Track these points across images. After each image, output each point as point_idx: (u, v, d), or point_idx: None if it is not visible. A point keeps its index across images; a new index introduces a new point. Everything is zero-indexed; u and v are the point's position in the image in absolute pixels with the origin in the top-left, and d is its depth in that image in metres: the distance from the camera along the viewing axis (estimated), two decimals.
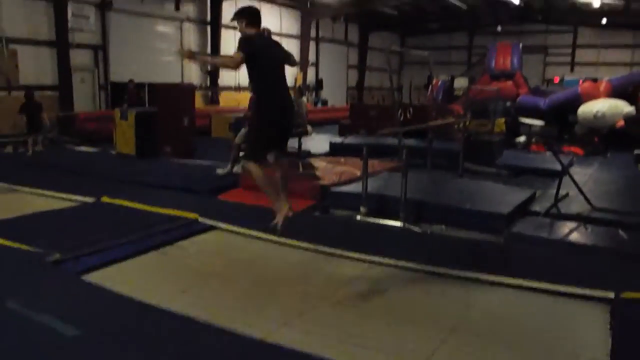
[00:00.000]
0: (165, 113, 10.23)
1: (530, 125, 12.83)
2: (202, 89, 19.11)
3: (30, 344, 2.91)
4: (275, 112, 3.86)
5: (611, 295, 3.72)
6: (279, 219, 4.01)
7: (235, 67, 3.77)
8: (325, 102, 24.58)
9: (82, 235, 4.93)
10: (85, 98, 15.25)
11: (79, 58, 14.91)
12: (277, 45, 4.11)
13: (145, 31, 16.80)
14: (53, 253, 4.30)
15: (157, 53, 17.35)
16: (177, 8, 18.01)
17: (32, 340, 2.95)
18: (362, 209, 6.09)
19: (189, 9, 18.46)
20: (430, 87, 16.68)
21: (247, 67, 3.80)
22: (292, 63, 4.14)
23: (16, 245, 4.52)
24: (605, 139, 12.51)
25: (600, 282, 3.91)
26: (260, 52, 3.77)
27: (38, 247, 4.43)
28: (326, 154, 10.36)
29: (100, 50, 15.56)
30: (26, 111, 10.39)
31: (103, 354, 2.85)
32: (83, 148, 11.76)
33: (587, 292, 3.82)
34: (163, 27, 17.57)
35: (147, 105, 15.30)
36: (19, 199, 6.90)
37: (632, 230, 5.31)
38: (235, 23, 3.92)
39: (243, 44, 3.72)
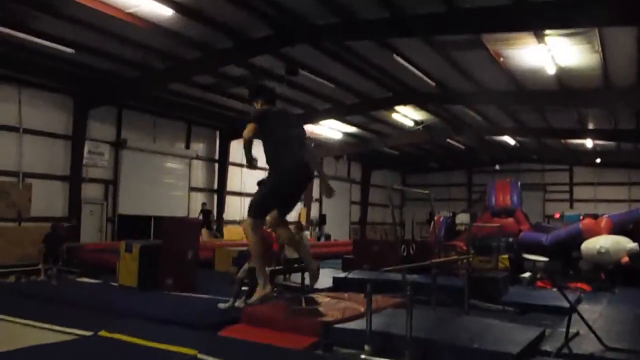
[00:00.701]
0: (170, 246, 10.32)
1: (534, 262, 12.81)
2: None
3: None
4: (289, 176, 3.83)
5: None
6: (256, 298, 3.91)
7: (249, 134, 3.81)
8: (328, 237, 24.81)
9: None
10: (92, 229, 15.51)
11: (90, 191, 15.44)
12: (296, 119, 4.17)
13: (155, 167, 17.57)
14: None
15: (166, 187, 17.99)
16: (187, 147, 18.98)
17: None
18: (366, 348, 5.90)
19: (198, 147, 19.45)
20: (432, 223, 16.94)
21: (262, 136, 3.85)
22: (309, 151, 4.13)
23: None
24: (611, 275, 12.41)
25: None
26: (274, 118, 3.86)
27: None
28: (329, 289, 10.24)
29: (111, 185, 16.15)
30: (49, 241, 11.06)
31: None
32: (85, 280, 11.68)
33: None
34: (173, 164, 18.39)
35: (152, 237, 15.52)
36: (15, 331, 6.75)
37: None
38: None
39: (256, 114, 3.82)
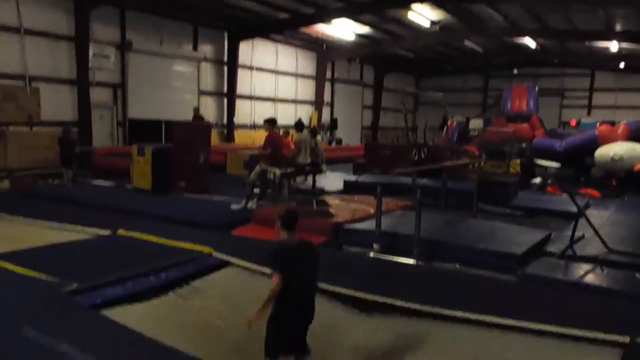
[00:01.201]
0: (182, 149, 10.39)
1: (546, 167, 12.79)
2: (217, 126, 19.42)
3: None
4: (292, 322, 3.48)
5: (626, 339, 3.63)
6: None
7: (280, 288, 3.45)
8: (339, 141, 24.81)
9: (98, 266, 4.99)
10: (103, 134, 15.58)
11: (99, 96, 15.30)
12: (311, 249, 3.81)
13: (163, 70, 17.23)
14: (70, 284, 4.34)
15: (175, 91, 17.76)
16: (195, 48, 18.51)
17: None
18: (375, 246, 6.07)
19: (206, 49, 18.94)
20: (445, 127, 16.78)
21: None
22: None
23: (34, 274, 4.57)
24: (622, 182, 12.41)
25: (616, 326, 3.82)
26: (292, 266, 3.44)
27: (55, 278, 4.47)
28: (340, 192, 10.39)
29: (119, 89, 15.97)
30: (62, 145, 11.21)
31: None
32: (100, 182, 11.93)
33: (601, 336, 3.73)
34: (181, 67, 18.01)
35: (163, 141, 15.60)
36: (37, 231, 7.00)
37: None
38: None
39: (275, 261, 3.46)
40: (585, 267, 5.48)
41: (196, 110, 14.91)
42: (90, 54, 14.55)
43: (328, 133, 25.12)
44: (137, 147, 10.72)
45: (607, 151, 12.54)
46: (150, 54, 16.60)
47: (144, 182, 10.35)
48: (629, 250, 6.10)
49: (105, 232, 6.62)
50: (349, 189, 10.57)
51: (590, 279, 5.12)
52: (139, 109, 16.42)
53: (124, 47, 15.81)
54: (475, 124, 19.57)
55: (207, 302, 4.73)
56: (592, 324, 3.88)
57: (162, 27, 17.05)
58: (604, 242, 6.12)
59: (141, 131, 15.95)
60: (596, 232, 6.25)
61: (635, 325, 3.84)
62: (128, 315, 4.08)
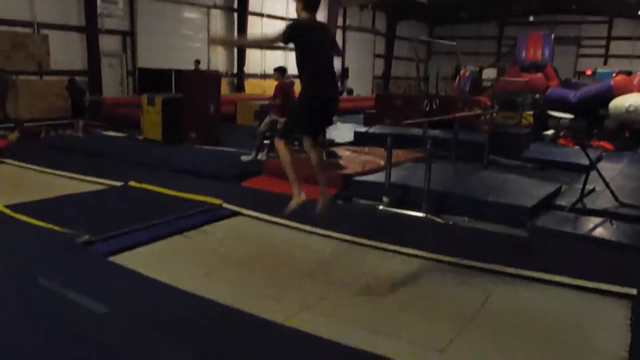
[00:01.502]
0: (192, 99, 10.33)
1: (559, 119, 12.60)
2: (228, 75, 19.22)
3: (61, 320, 3.02)
4: (319, 97, 3.76)
5: (633, 291, 3.68)
6: (292, 205, 4.03)
7: (267, 43, 3.78)
8: (350, 91, 24.50)
9: (110, 218, 5.08)
10: (113, 83, 15.52)
11: (108, 44, 15.14)
12: (326, 30, 4.02)
13: (172, 18, 16.97)
14: (83, 234, 4.43)
15: (184, 39, 17.53)
16: None
17: (63, 316, 3.07)
18: (384, 199, 6.10)
19: None
20: (457, 77, 16.46)
21: (296, 51, 3.74)
22: (337, 53, 4.09)
23: (47, 225, 4.67)
24: (636, 134, 12.21)
25: (624, 278, 3.87)
26: (308, 36, 3.69)
27: (68, 228, 4.56)
28: (350, 143, 10.35)
29: (129, 36, 15.78)
30: (71, 94, 11.35)
31: (130, 332, 2.95)
32: (111, 133, 11.98)
33: (609, 287, 3.79)
34: (190, 14, 17.72)
35: (174, 91, 15.52)
36: (49, 181, 7.09)
37: None
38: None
39: (289, 30, 3.66)
40: (595, 220, 5.48)
41: (197, 63, 14.66)
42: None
43: (339, 83, 24.77)
44: (147, 96, 10.67)
45: (622, 102, 12.27)
46: (159, 0, 16.30)
47: (154, 132, 10.37)
48: (639, 204, 6.08)
49: (117, 184, 6.69)
50: (360, 140, 10.51)
51: (599, 232, 5.13)
52: (148, 58, 16.27)
53: None
54: (489, 73, 19.15)
55: (214, 238, 4.91)
56: (602, 276, 3.92)
57: None
58: (614, 196, 6.09)
59: (151, 80, 15.86)
60: (607, 185, 6.21)
61: None
62: (138, 259, 4.21)
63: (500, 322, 3.39)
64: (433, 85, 26.24)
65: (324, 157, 8.08)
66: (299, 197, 4.00)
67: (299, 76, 3.82)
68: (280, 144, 3.93)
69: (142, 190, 6.37)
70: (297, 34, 3.67)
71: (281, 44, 3.81)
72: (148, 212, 5.33)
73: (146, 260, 4.25)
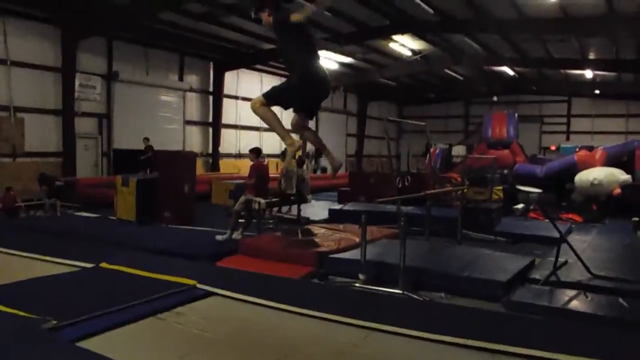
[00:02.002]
0: (167, 179, 10.37)
1: (528, 193, 12.97)
2: (202, 155, 19.44)
3: None
4: (311, 82, 3.92)
5: None
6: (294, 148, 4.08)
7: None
8: (324, 170, 24.90)
9: (80, 301, 4.91)
10: (88, 164, 15.51)
11: (84, 126, 15.29)
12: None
13: (149, 100, 17.33)
14: (49, 320, 4.26)
15: (161, 121, 17.82)
16: (181, 79, 18.65)
17: None
18: (361, 276, 6.08)
19: (192, 79, 19.11)
20: (428, 155, 16.97)
21: (283, 41, 4.01)
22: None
23: (13, 311, 4.49)
24: (603, 207, 12.61)
25: (598, 351, 3.86)
26: (293, 25, 3.89)
27: (34, 314, 4.39)
28: (325, 221, 10.41)
29: (105, 118, 15.98)
30: (44, 181, 11.57)
31: None
32: (84, 214, 11.82)
33: None
34: (166, 97, 18.12)
35: (148, 171, 15.53)
36: (17, 264, 6.88)
37: (633, 298, 5.29)
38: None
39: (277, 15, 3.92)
40: (570, 293, 5.54)
41: (146, 140, 14.64)
42: (77, 84, 14.59)
43: (313, 162, 25.21)
44: (122, 177, 10.67)
45: (587, 176, 12.77)
46: (136, 84, 16.72)
47: (128, 213, 10.29)
48: (612, 275, 6.19)
49: (88, 265, 6.53)
50: (335, 217, 10.60)
51: (574, 305, 5.17)
52: (124, 139, 16.42)
53: (110, 77, 15.90)
54: (458, 150, 19.85)
55: (188, 319, 4.74)
56: (578, 349, 3.91)
57: (148, 58, 17.24)
58: (586, 268, 6.20)
59: (126, 161, 15.88)
60: (579, 257, 6.33)
61: (618, 349, 3.88)
62: (109, 344, 4.04)
63: None
64: (405, 163, 27.09)
65: (299, 235, 8.11)
66: (294, 143, 4.04)
67: (290, 67, 4.07)
68: (261, 106, 3.97)
69: (113, 271, 6.22)
70: (284, 21, 3.92)
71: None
72: (120, 294, 5.18)
73: (117, 344, 4.08)
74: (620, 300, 5.18)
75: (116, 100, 16.14)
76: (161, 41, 17.15)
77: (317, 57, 4.07)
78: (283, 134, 4.04)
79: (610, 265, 6.80)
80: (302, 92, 3.96)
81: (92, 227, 9.96)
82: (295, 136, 4.11)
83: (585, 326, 4.61)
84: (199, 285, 5.65)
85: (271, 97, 4.03)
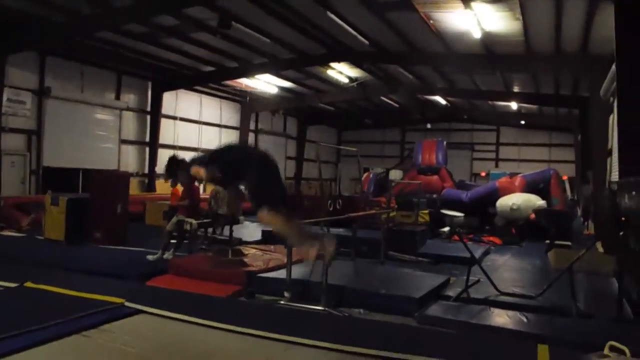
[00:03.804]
0: (99, 199, 10.30)
1: (452, 217, 13.71)
2: (138, 175, 19.22)
3: None
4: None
5: None
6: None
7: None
8: None
9: (3, 320, 4.90)
10: (14, 182, 14.99)
11: (12, 142, 14.84)
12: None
13: (84, 118, 17.02)
14: None
15: (95, 139, 17.52)
16: (118, 97, 18.46)
17: None
18: (286, 294, 6.35)
19: (129, 98, 18.94)
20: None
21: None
22: None
23: None
24: (521, 230, 13.52)
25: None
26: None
27: None
28: (257, 242, 10.62)
29: (35, 135, 15.57)
30: None
31: None
32: (9, 233, 11.47)
33: None
34: (102, 115, 17.86)
35: (80, 191, 15.25)
36: None
37: (532, 313, 5.84)
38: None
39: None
40: (477, 308, 6.03)
41: None
42: (5, 98, 14.17)
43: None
44: (51, 196, 10.49)
45: (507, 201, 13.68)
46: (70, 101, 16.41)
47: (56, 233, 10.11)
48: (517, 292, 6.77)
49: (12, 285, 6.45)
50: (267, 238, 10.82)
51: (479, 319, 5.64)
52: (55, 157, 16.02)
53: (41, 93, 15.54)
54: (396, 175, 20.61)
55: (114, 337, 4.81)
56: (476, 358, 4.33)
57: (84, 75, 17.01)
58: (494, 286, 6.76)
59: (57, 180, 15.51)
60: (487, 276, 6.89)
61: (511, 356, 4.33)
62: None
63: None
64: (344, 186, 27.70)
65: (230, 255, 8.30)
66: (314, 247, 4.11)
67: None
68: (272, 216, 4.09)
69: (39, 290, 6.18)
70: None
71: None
72: (45, 312, 5.19)
73: (35, 356, 4.15)
74: (519, 314, 5.71)
75: (48, 116, 15.77)
76: (98, 59, 16.98)
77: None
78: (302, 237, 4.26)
79: (518, 283, 7.42)
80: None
81: (17, 247, 9.72)
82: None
83: (485, 338, 5.08)
84: (127, 304, 5.73)
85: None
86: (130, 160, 19.06)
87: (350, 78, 20.50)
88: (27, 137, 15.42)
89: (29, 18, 13.31)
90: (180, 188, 9.35)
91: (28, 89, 15.21)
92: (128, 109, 18.79)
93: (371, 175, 17.79)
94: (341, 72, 19.58)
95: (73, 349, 4.54)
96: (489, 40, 14.41)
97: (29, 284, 6.39)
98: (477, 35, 13.71)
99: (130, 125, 19.13)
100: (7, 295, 6.15)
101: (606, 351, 3.83)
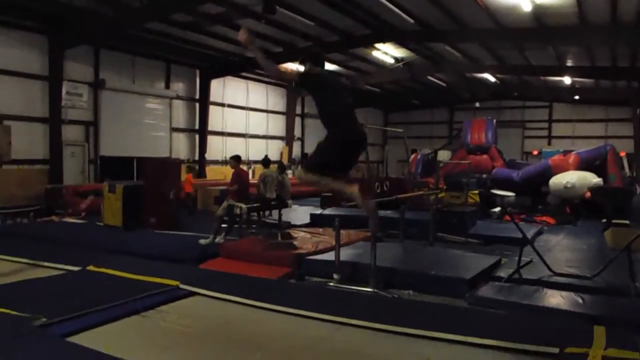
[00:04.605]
0: (152, 186, 10.64)
1: (503, 197, 13.40)
2: (190, 162, 19.72)
3: None
4: (346, 141, 3.94)
5: (556, 350, 4.03)
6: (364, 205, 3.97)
7: (280, 76, 4.12)
8: None
9: (68, 301, 5.20)
10: (75, 171, 15.72)
11: (71, 133, 15.52)
12: (338, 79, 4.39)
13: (135, 108, 17.57)
14: (39, 317, 4.56)
15: (147, 128, 18.07)
16: (167, 86, 18.93)
17: None
18: (335, 276, 6.42)
19: (178, 87, 19.39)
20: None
21: (314, 98, 4.06)
22: (355, 83, 4.49)
23: (4, 310, 4.78)
24: (576, 209, 13.07)
25: (549, 339, 4.22)
26: (323, 87, 4.01)
27: (26, 312, 4.69)
28: (306, 225, 10.74)
29: (92, 126, 16.22)
30: None
31: None
32: (71, 219, 12.04)
33: (534, 347, 4.13)
34: (153, 104, 18.37)
35: (135, 178, 15.80)
36: (6, 268, 7.14)
37: (587, 294, 5.68)
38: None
39: (304, 78, 4.02)
40: (529, 289, 5.91)
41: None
42: (64, 92, 14.81)
43: (299, 167, 25.54)
44: (108, 184, 10.93)
45: (561, 180, 13.23)
46: (123, 91, 16.97)
47: (114, 219, 10.54)
48: (571, 272, 6.59)
49: (76, 269, 6.81)
50: (316, 222, 10.93)
51: (531, 299, 5.53)
52: (111, 146, 16.66)
53: (97, 85, 16.16)
54: (445, 155, 20.28)
55: (171, 317, 5.04)
56: (529, 338, 4.27)
57: (134, 66, 17.52)
58: (547, 266, 6.59)
59: (113, 168, 16.15)
60: (540, 257, 6.72)
61: (566, 338, 4.24)
62: (96, 339, 4.33)
63: None
64: (391, 168, 27.51)
65: (279, 238, 8.44)
66: (351, 190, 3.97)
67: (323, 124, 4.08)
68: (307, 174, 4.02)
69: (100, 274, 6.51)
70: (312, 85, 3.99)
71: (292, 83, 4.11)
72: (106, 294, 5.48)
73: (103, 339, 4.38)
74: (574, 295, 5.57)
75: (103, 108, 16.39)
76: (147, 49, 17.45)
77: (349, 115, 4.09)
78: (339, 187, 4.05)
79: (573, 264, 7.19)
80: (335, 154, 3.99)
81: (79, 233, 10.20)
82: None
83: (539, 318, 4.99)
84: (181, 286, 5.96)
85: (310, 167, 4.13)
86: (181, 147, 19.57)
87: (395, 58, 20.22)
88: (85, 128, 16.08)
89: (83, 13, 13.83)
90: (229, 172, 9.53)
91: (84, 81, 15.82)
92: (177, 97, 19.25)
93: (419, 156, 17.55)
94: (386, 52, 19.33)
95: (133, 329, 4.78)
96: (540, 13, 13.88)
97: (91, 268, 6.74)
98: (527, 8, 13.24)
99: (180, 113, 19.62)
100: (71, 278, 6.51)
101: None
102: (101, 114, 16.35)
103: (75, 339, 4.31)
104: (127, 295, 5.46)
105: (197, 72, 20.02)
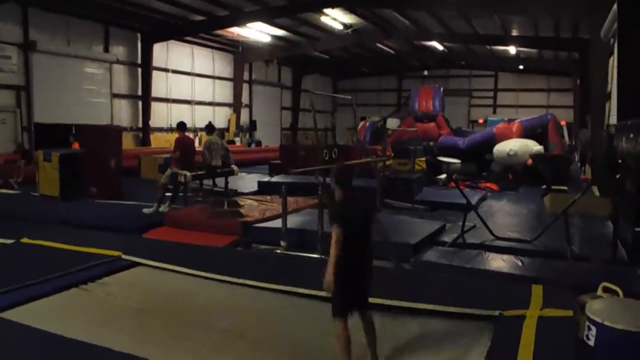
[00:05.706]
0: (92, 154, 10.19)
1: (449, 164, 13.67)
2: (132, 130, 19.04)
3: None
4: (351, 279, 3.55)
5: (496, 313, 4.14)
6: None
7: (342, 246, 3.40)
8: (259, 143, 24.96)
9: (0, 275, 4.92)
10: (5, 139, 14.82)
11: (0, 98, 14.59)
12: (365, 205, 3.98)
13: (72, 72, 16.67)
14: None
15: (86, 94, 17.25)
16: (107, 50, 18.03)
17: None
18: (282, 243, 6.37)
19: (118, 51, 18.51)
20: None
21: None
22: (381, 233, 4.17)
23: None
24: (518, 175, 13.50)
25: (490, 303, 4.32)
26: (348, 220, 3.49)
27: None
28: (254, 193, 10.61)
29: (23, 91, 15.29)
30: None
31: None
32: (3, 190, 11.41)
33: (476, 311, 4.22)
34: (91, 69, 17.49)
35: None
36: None
37: (527, 256, 5.87)
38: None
39: (338, 214, 3.51)
40: (472, 253, 6.06)
41: (19, 146, 13.56)
42: None
43: (247, 135, 25.20)
44: (43, 152, 10.38)
45: (504, 147, 13.60)
46: (57, 54, 16.04)
47: (51, 189, 10.05)
48: (512, 237, 6.80)
49: (8, 241, 6.45)
50: (263, 189, 10.81)
51: (474, 263, 5.67)
52: (46, 113, 15.80)
53: (27, 47, 15.16)
54: (393, 123, 20.41)
55: (112, 289, 4.88)
56: (471, 302, 4.36)
57: (69, 27, 16.55)
58: (490, 231, 6.77)
59: (50, 136, 15.32)
60: (483, 222, 6.89)
61: (506, 300, 4.36)
62: (31, 314, 4.14)
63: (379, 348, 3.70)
64: (339, 136, 27.55)
65: (225, 206, 8.29)
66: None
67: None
68: (338, 325, 3.49)
69: (35, 246, 6.19)
70: (344, 219, 3.44)
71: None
72: (42, 267, 5.21)
73: (39, 314, 4.18)
74: (514, 258, 5.74)
75: (35, 71, 15.44)
76: (83, 10, 16.46)
77: (358, 267, 3.67)
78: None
79: (514, 228, 7.44)
80: (348, 293, 3.54)
81: (12, 204, 9.68)
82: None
83: (480, 281, 5.11)
84: (124, 256, 5.75)
85: (341, 311, 3.52)
86: (123, 114, 18.82)
87: (344, 25, 20.00)
88: (15, 93, 15.14)
89: None
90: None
91: (12, 42, 14.81)
92: (118, 61, 18.39)
93: (367, 124, 17.60)
94: (335, 18, 19.07)
95: (72, 302, 4.58)
96: None
97: (25, 240, 6.39)
98: None
99: (121, 78, 18.78)
100: (4, 251, 6.16)
101: (599, 292, 3.85)
102: (33, 78, 15.40)
103: (10, 315, 4.08)
104: (65, 267, 5.22)
105: (139, 35, 19.13)
